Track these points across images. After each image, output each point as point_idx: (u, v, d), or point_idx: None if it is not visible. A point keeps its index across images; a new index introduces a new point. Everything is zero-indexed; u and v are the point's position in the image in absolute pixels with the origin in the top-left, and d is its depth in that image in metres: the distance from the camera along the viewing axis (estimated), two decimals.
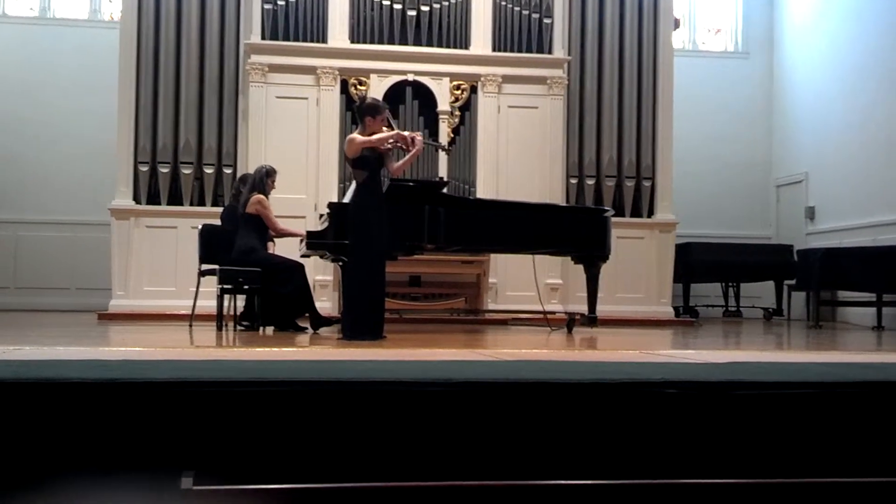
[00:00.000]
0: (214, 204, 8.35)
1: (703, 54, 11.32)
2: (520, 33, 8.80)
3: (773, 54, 11.32)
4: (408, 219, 5.94)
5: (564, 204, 8.65)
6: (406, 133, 5.54)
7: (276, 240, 6.67)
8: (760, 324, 9.12)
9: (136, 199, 8.40)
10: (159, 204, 8.42)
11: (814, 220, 10.46)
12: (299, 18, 8.52)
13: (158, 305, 8.03)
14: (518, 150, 8.71)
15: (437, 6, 8.65)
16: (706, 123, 10.87)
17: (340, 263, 5.97)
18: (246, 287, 6.25)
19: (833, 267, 8.12)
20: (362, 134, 5.40)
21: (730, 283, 10.43)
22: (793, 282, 9.40)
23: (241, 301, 6.78)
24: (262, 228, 6.36)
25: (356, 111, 5.61)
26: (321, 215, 7.02)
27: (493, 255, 8.23)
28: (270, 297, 6.19)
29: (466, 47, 8.70)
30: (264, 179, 6.38)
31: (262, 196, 6.32)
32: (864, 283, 8.17)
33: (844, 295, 9.04)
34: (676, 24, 9.62)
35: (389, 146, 5.48)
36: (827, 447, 2.44)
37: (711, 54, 11.39)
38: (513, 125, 8.73)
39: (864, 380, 2.59)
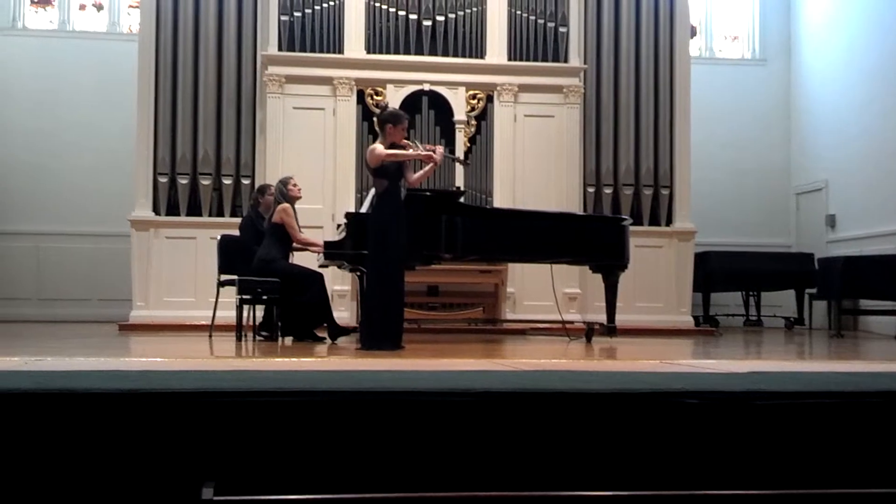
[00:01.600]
0: (233, 215, 8.39)
1: (719, 61, 11.27)
2: (535, 42, 8.81)
3: (790, 61, 11.25)
4: (425, 229, 5.94)
5: (582, 213, 8.62)
6: (429, 151, 5.55)
7: (295, 253, 6.69)
8: (782, 333, 9.03)
9: (156, 210, 8.47)
10: (178, 215, 8.48)
11: (834, 227, 10.36)
12: (316, 29, 8.58)
13: (178, 316, 8.07)
14: (535, 158, 8.70)
15: (452, 16, 8.68)
16: (724, 131, 10.81)
17: (358, 273, 5.98)
18: (265, 297, 6.28)
19: (855, 275, 8.03)
20: (383, 142, 5.42)
21: (750, 292, 10.34)
22: (814, 290, 9.31)
23: (259, 311, 6.80)
24: (285, 239, 6.39)
25: (377, 120, 5.64)
26: (338, 225, 7.04)
27: (510, 265, 8.20)
28: (289, 307, 6.22)
29: (482, 57, 8.72)
30: (283, 189, 6.43)
31: (286, 205, 6.36)
32: (887, 292, 8.07)
33: (866, 303, 8.93)
34: (693, 31, 9.58)
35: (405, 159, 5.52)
36: (850, 458, 2.40)
37: (728, 61, 11.34)
38: (529, 134, 8.72)
39: (887, 389, 2.55)
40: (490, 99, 8.69)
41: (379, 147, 5.36)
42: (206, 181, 8.49)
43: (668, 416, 2.37)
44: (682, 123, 9.05)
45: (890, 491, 2.31)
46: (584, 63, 8.94)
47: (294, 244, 6.49)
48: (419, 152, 5.48)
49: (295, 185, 6.48)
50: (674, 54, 9.10)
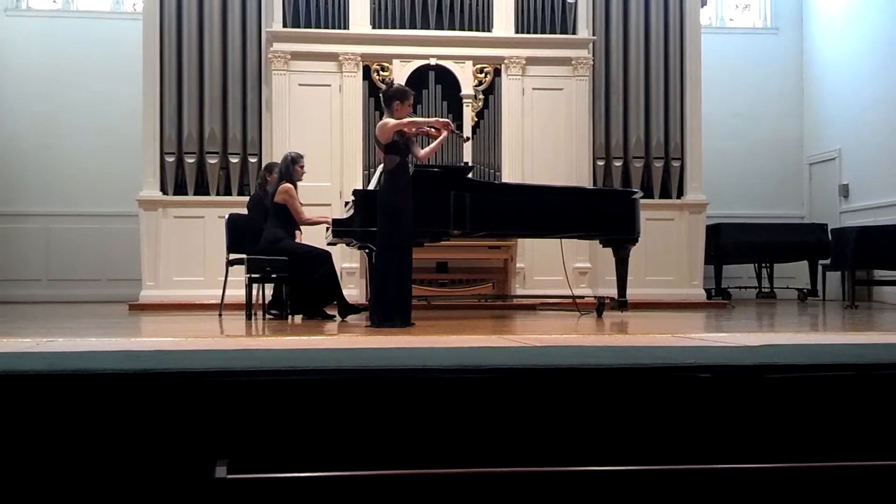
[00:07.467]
0: (241, 193, 8.39)
1: (731, 31, 11.13)
2: (543, 14, 8.71)
3: (802, 29, 11.09)
4: (433, 205, 5.90)
5: (592, 186, 8.57)
6: (443, 119, 5.57)
7: (302, 227, 6.67)
8: (795, 305, 8.99)
9: (164, 189, 8.46)
10: (186, 194, 8.47)
11: (848, 197, 10.27)
12: (320, 5, 8.50)
13: (188, 295, 8.10)
14: (543, 132, 8.63)
15: None
16: (735, 102, 10.70)
17: (367, 251, 5.97)
18: (274, 276, 6.28)
19: (868, 245, 7.97)
20: (393, 119, 5.36)
21: (763, 264, 10.27)
22: (827, 261, 9.24)
23: (269, 290, 6.81)
24: (290, 217, 6.37)
25: (383, 97, 5.57)
26: (346, 202, 7.01)
27: (520, 240, 8.18)
28: (298, 285, 6.21)
29: (489, 30, 8.62)
30: (290, 167, 6.39)
31: (289, 185, 6.32)
32: None
33: (881, 274, 8.86)
34: (703, 0, 9.44)
35: (422, 132, 5.48)
36: (865, 431, 2.38)
37: (740, 31, 11.19)
38: (538, 107, 8.65)
39: None
40: (497, 72, 8.61)
41: (390, 120, 5.30)
42: (213, 160, 8.47)
43: (680, 391, 2.35)
44: (693, 94, 8.95)
45: None
46: (593, 35, 8.84)
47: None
48: (430, 120, 5.45)
49: (302, 167, 6.45)
50: (684, 24, 8.99)
